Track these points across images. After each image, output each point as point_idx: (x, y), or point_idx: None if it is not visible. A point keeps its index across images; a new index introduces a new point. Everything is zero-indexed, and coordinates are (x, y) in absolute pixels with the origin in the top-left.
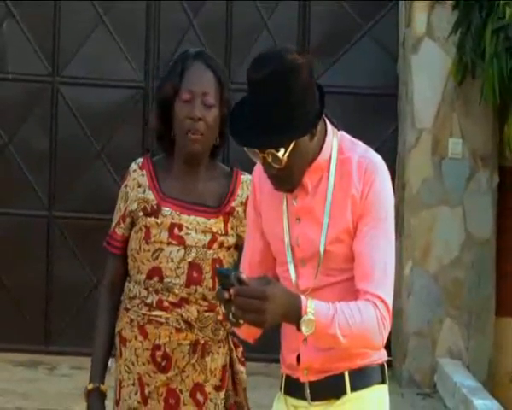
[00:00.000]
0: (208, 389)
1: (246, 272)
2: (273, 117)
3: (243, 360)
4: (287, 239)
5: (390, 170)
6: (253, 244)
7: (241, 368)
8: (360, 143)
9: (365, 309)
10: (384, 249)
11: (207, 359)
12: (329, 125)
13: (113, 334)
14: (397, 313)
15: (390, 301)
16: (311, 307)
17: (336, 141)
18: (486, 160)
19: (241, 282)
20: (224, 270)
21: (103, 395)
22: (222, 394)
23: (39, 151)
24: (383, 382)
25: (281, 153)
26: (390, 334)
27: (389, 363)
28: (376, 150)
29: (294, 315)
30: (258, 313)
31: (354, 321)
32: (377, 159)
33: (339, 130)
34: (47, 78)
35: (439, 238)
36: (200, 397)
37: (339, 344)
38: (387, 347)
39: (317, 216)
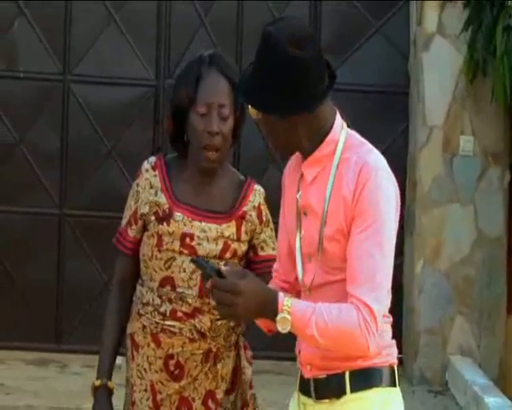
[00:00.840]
0: (220, 395)
1: (278, 264)
2: (252, 76)
3: (251, 361)
4: (297, 234)
5: (401, 168)
6: (281, 238)
7: (246, 364)
8: (367, 144)
9: (346, 312)
10: (373, 254)
11: (219, 365)
12: (338, 124)
13: (121, 332)
14: (408, 311)
15: (377, 306)
16: (287, 306)
17: (343, 139)
18: (498, 157)
19: (219, 274)
20: (201, 260)
21: (110, 392)
22: (232, 397)
23: (50, 150)
24: (392, 384)
25: (252, 109)
26: (401, 332)
27: (400, 361)
28: (387, 148)
29: (271, 312)
30: (230, 307)
31: (332, 323)
32: (376, 161)
33: (351, 129)
34: (58, 76)
35: (450, 236)
36: (211, 404)
37: (318, 344)
38: (398, 345)
39: (316, 211)
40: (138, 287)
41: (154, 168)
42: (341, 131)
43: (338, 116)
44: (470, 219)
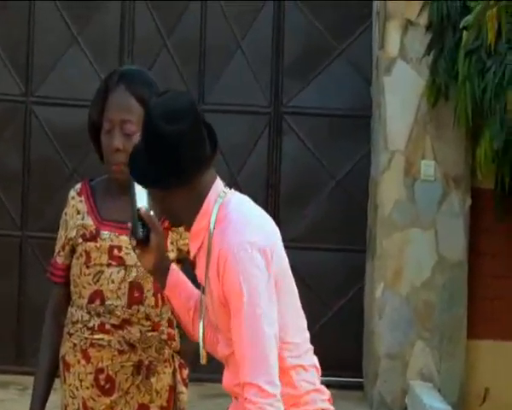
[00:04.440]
0: None
1: None
2: (136, 147)
3: (187, 381)
4: (201, 304)
5: (363, 191)
6: None
7: (182, 389)
8: (231, 212)
9: None
10: (248, 334)
11: (153, 379)
12: (214, 193)
13: (56, 361)
14: (368, 335)
15: (262, 379)
16: None
17: (216, 210)
18: (459, 182)
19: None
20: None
21: None
22: None
23: (12, 171)
24: None
25: None
26: (361, 355)
27: (360, 385)
28: (350, 172)
29: None
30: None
31: None
32: (233, 238)
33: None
34: (20, 97)
35: (411, 260)
36: None
37: None
38: (359, 368)
39: (203, 286)
40: (69, 309)
41: (79, 194)
42: (216, 201)
43: (216, 183)
44: (431, 243)
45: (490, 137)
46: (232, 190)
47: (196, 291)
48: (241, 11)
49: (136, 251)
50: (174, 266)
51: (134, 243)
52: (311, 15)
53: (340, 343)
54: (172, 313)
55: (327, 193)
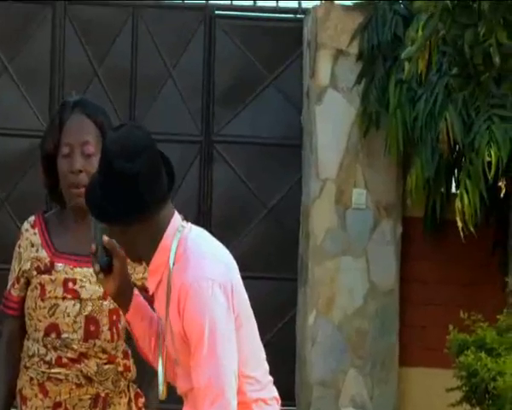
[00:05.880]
0: None
1: None
2: (93, 181)
3: None
4: (160, 339)
5: (295, 220)
6: None
7: None
8: (189, 248)
9: None
10: (207, 369)
11: None
12: (172, 228)
13: (10, 394)
14: (301, 363)
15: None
16: None
17: (175, 245)
18: (390, 210)
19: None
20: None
21: None
22: None
23: None
24: None
25: None
26: (294, 383)
27: None
28: (281, 200)
29: None
30: None
31: None
32: (196, 274)
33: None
34: None
35: (343, 288)
36: None
37: None
38: (292, 396)
39: (163, 321)
40: (25, 342)
41: (33, 227)
42: (175, 236)
43: (174, 218)
44: (363, 271)
45: (421, 165)
46: (189, 223)
47: (157, 318)
48: (171, 40)
49: (100, 276)
50: (137, 292)
51: (97, 268)
52: (241, 44)
53: (273, 371)
54: (128, 342)
55: (258, 221)
